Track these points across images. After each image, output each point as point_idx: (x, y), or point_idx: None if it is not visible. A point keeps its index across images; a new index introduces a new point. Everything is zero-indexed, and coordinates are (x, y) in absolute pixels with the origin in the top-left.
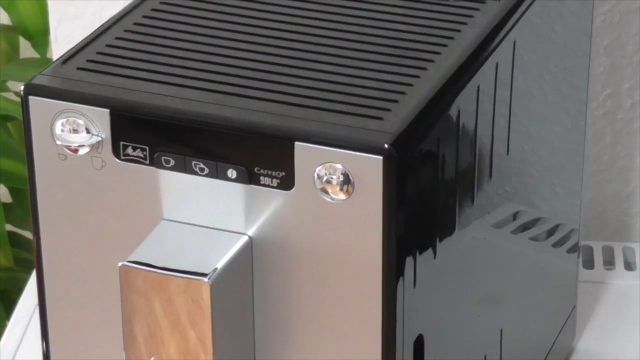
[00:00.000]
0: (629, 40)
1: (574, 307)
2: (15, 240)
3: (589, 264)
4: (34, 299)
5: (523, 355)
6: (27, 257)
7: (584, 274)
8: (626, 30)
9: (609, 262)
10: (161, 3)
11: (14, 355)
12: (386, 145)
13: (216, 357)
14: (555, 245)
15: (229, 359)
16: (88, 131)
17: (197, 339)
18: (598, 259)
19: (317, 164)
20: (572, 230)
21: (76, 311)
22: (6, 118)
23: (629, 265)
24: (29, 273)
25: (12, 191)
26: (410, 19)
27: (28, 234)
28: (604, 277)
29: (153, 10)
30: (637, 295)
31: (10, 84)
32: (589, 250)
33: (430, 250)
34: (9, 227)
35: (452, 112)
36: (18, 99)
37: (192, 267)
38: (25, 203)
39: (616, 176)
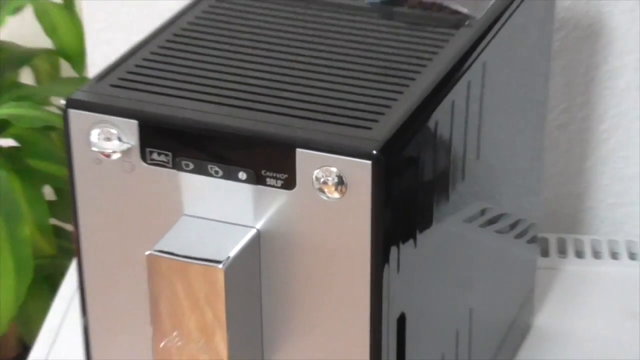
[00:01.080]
0: (581, 62)
1: (532, 289)
2: (58, 232)
3: (545, 252)
4: (74, 283)
5: (489, 330)
6: (68, 247)
7: (541, 261)
8: (578, 53)
9: (562, 252)
10: (182, 29)
11: (58, 329)
12: (374, 152)
13: (229, 332)
14: (517, 237)
15: (241, 334)
16: (119, 139)
17: (213, 317)
18: (553, 248)
19: (315, 167)
20: (531, 224)
21: (110, 293)
22: (49, 128)
23: (579, 254)
24: (70, 260)
25: (56, 191)
26: (395, 43)
27: (69, 227)
28: (557, 264)
29: (175, 35)
30: (585, 280)
31: (53, 99)
32: (545, 241)
33: (411, 241)
34: (53, 221)
35: (431, 123)
36: (60, 112)
37: (208, 256)
38: (66, 200)
39: (569, 178)
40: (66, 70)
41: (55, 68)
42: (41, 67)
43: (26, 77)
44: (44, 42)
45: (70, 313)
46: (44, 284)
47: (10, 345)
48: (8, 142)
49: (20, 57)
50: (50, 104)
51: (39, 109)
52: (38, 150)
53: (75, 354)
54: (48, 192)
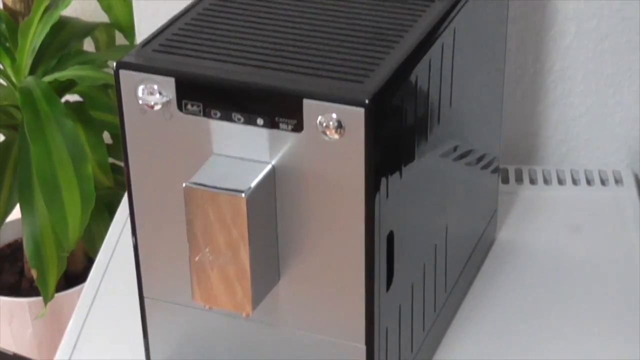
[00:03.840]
0: (532, 26)
1: (495, 210)
2: (115, 168)
3: (505, 180)
4: (127, 209)
5: (461, 243)
6: (123, 180)
7: (502, 187)
8: (530, 19)
9: (519, 179)
10: (211, 4)
11: (115, 246)
12: (367, 101)
13: (251, 248)
14: (482, 168)
15: (260, 250)
16: (160, 93)
17: (238, 236)
18: (512, 177)
19: (319, 114)
20: (494, 158)
21: (154, 217)
22: (107, 86)
23: (532, 181)
24: (124, 191)
25: (113, 136)
26: (381, 13)
27: (123, 164)
28: (515, 189)
29: (205, 9)
30: (538, 202)
31: (109, 63)
32: (505, 171)
33: (397, 173)
34: (110, 160)
35: (412, 78)
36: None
37: (233, 186)
38: (120, 143)
39: (524, 120)
40: (120, 39)
41: (111, 38)
42: (100, 38)
43: (88, 45)
44: (102, 17)
45: (124, 234)
46: (104, 211)
47: (78, 260)
48: (74, 98)
49: (83, 30)
50: (107, 66)
51: (98, 71)
52: (98, 103)
53: (128, 265)
54: (106, 137)
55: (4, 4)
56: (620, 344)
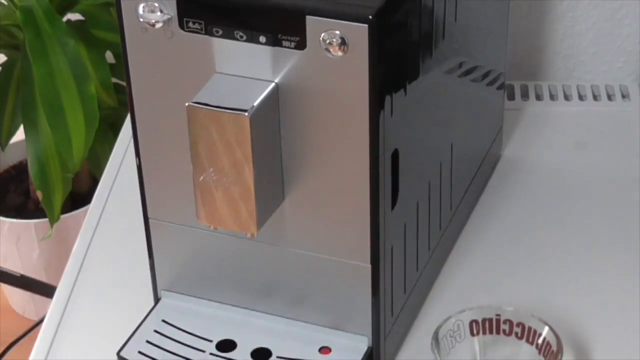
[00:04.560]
0: None
1: (501, 127)
2: (118, 88)
3: (511, 96)
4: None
5: (466, 161)
6: (126, 100)
7: (508, 104)
8: None
9: (525, 95)
10: None
11: (119, 166)
12: (370, 17)
13: (255, 168)
14: (488, 84)
15: (264, 170)
16: (161, 11)
17: (242, 156)
18: (517, 93)
19: (322, 30)
20: (500, 74)
21: (158, 138)
22: (109, 4)
23: (538, 97)
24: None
25: (115, 55)
26: None
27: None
28: (521, 106)
29: None
30: (544, 118)
31: None
32: (511, 87)
33: (402, 90)
34: (114, 79)
35: None
36: None
37: (237, 105)
38: (122, 62)
39: (530, 35)
40: None
41: None
42: None
43: None
44: None
45: (128, 154)
46: (109, 131)
47: (84, 180)
48: (76, 16)
49: None
50: None
51: None
52: (100, 22)
53: (133, 185)
54: (109, 56)
55: None
56: (623, 256)
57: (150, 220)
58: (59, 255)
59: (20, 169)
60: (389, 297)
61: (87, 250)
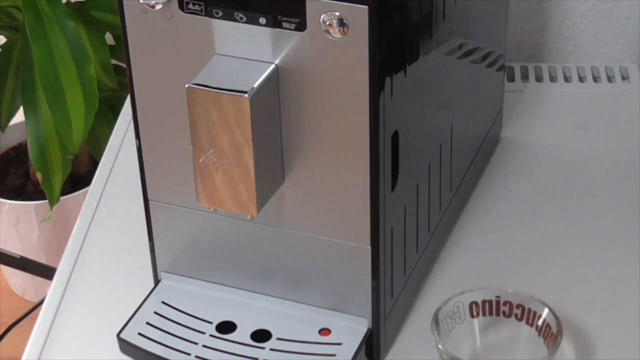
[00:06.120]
0: None
1: (501, 108)
2: (117, 69)
3: (511, 78)
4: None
5: (466, 142)
6: (126, 82)
7: (508, 85)
8: None
9: (525, 77)
10: None
11: (119, 148)
12: None
13: (255, 149)
14: (488, 66)
15: (264, 152)
16: None
17: (241, 137)
18: (517, 75)
19: (322, 12)
20: (499, 55)
21: (157, 120)
22: None
23: (538, 79)
24: (128, 92)
25: (115, 37)
26: None
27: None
28: (521, 87)
29: None
30: (544, 100)
31: None
32: (511, 69)
33: (402, 72)
34: (113, 61)
35: None
36: None
37: (237, 87)
38: (122, 44)
39: (530, 17)
40: None
41: None
42: None
43: None
44: None
45: (128, 136)
46: (108, 112)
47: (84, 162)
48: None
49: None
50: None
51: None
52: (100, 3)
53: (133, 167)
54: (109, 38)
55: None
56: (623, 237)
57: (150, 202)
58: (59, 237)
59: (20, 151)
60: (388, 278)
61: (86, 232)
